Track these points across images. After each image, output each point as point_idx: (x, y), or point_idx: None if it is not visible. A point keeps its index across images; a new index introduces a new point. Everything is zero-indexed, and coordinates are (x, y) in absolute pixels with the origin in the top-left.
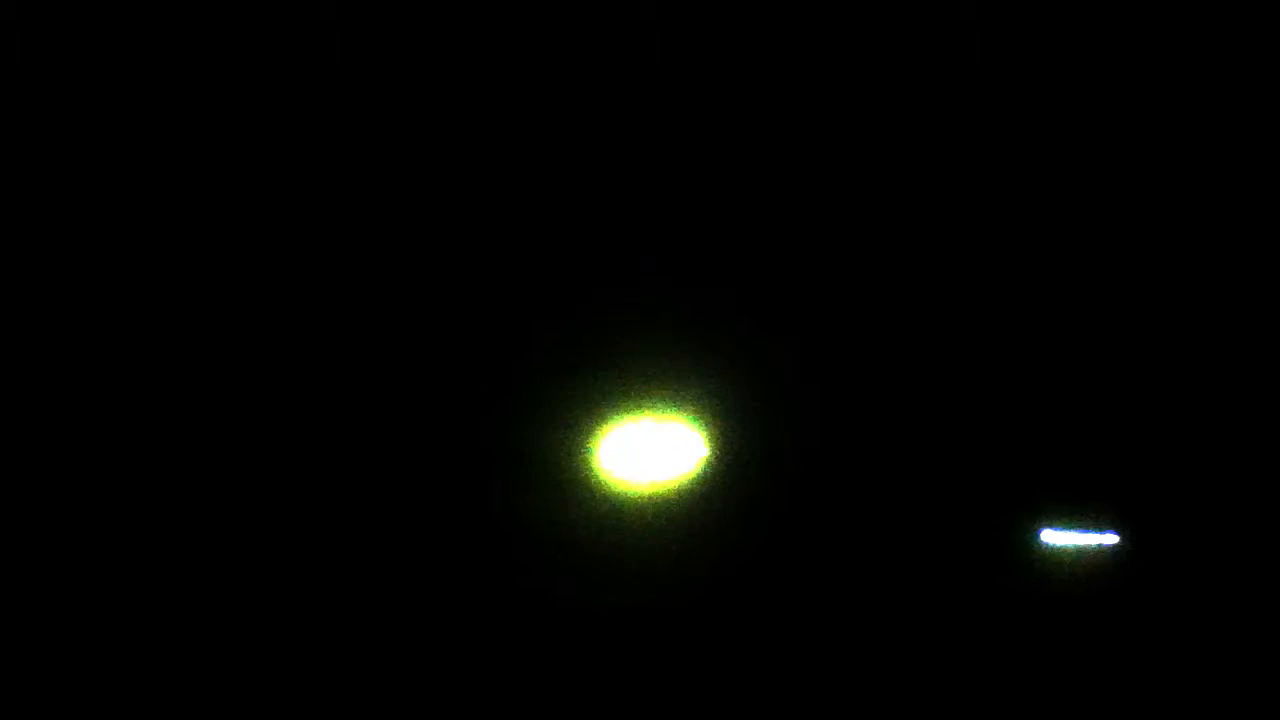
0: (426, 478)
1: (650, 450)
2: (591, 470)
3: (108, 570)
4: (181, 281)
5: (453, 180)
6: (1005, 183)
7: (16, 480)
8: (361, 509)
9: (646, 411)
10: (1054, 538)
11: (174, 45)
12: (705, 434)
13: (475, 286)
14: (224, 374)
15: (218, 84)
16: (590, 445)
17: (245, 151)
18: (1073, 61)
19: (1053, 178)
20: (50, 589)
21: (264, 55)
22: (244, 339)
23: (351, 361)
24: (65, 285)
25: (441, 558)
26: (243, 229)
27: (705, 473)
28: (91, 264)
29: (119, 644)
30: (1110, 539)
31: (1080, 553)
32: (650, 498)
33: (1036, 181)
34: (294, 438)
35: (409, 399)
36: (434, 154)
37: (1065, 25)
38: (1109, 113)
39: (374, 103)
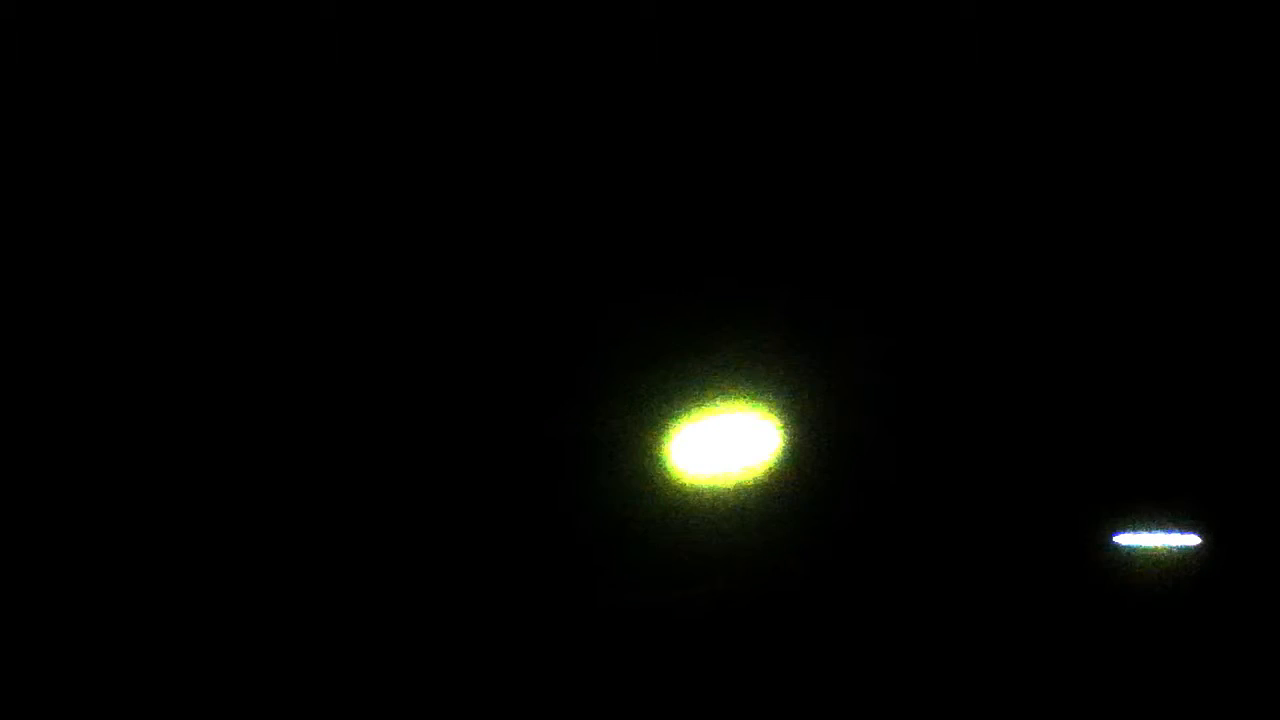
0: (504, 468)
1: (723, 442)
2: (665, 461)
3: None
4: (260, 281)
5: (531, 175)
6: (1089, 184)
7: (24, 480)
8: (434, 497)
9: (720, 404)
10: (1131, 539)
11: (177, 45)
12: (778, 426)
13: (551, 279)
14: (305, 363)
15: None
16: (664, 437)
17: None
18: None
19: (1143, 181)
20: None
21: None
22: (326, 329)
23: (428, 352)
24: (95, 287)
25: (516, 546)
26: (330, 226)
27: (778, 465)
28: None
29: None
30: (1188, 540)
31: (1158, 554)
32: (723, 489)
33: (1123, 185)
34: (373, 426)
35: (486, 389)
36: (514, 148)
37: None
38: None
39: (468, 105)
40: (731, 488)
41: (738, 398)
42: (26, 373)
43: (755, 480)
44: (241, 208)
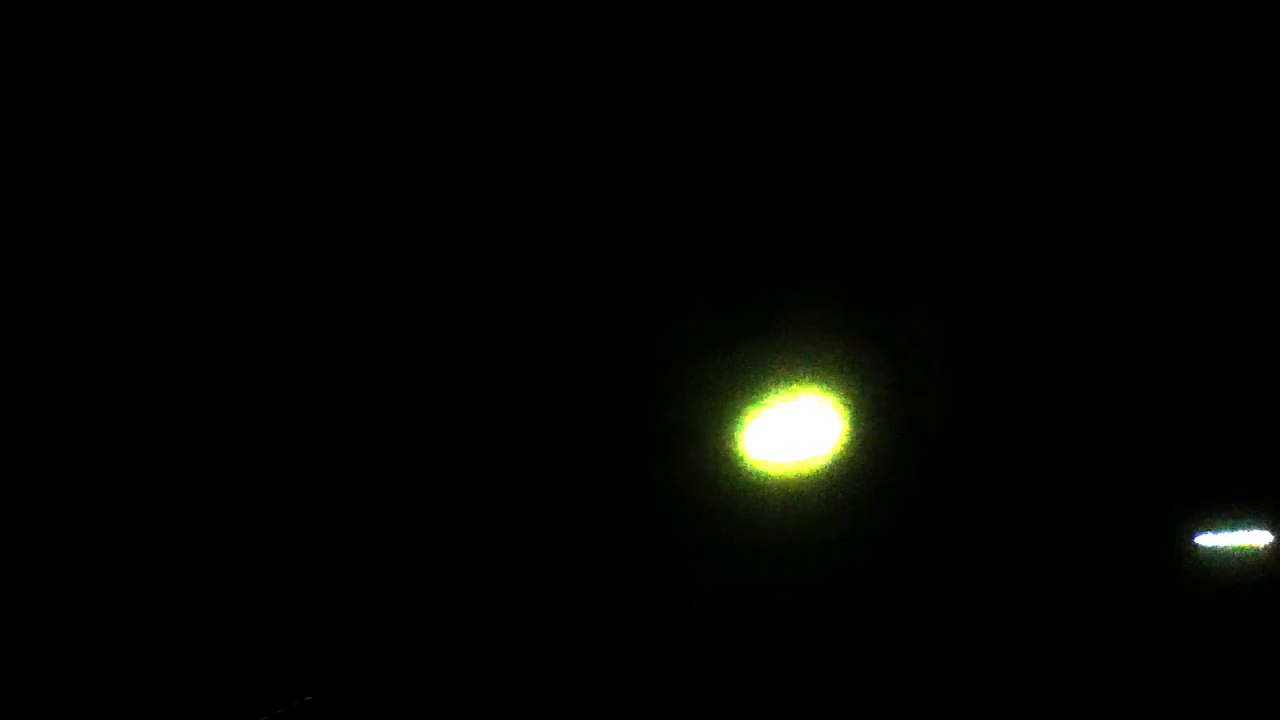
0: (572, 456)
1: (792, 430)
2: (734, 449)
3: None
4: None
5: (606, 165)
6: (1178, 184)
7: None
8: (502, 481)
9: (790, 392)
10: (1210, 540)
11: (180, 46)
12: (849, 415)
13: (620, 270)
14: (393, 350)
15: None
16: (734, 424)
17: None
18: None
19: (1242, 173)
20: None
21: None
22: (408, 317)
23: (505, 334)
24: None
25: (587, 531)
26: (399, 216)
27: (850, 454)
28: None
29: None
30: (1265, 539)
31: (1236, 554)
32: (791, 477)
33: (1219, 176)
34: (449, 412)
35: (556, 377)
36: (587, 135)
37: None
38: None
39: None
40: (805, 474)
41: (809, 385)
42: (27, 373)
43: (828, 467)
44: (318, 206)
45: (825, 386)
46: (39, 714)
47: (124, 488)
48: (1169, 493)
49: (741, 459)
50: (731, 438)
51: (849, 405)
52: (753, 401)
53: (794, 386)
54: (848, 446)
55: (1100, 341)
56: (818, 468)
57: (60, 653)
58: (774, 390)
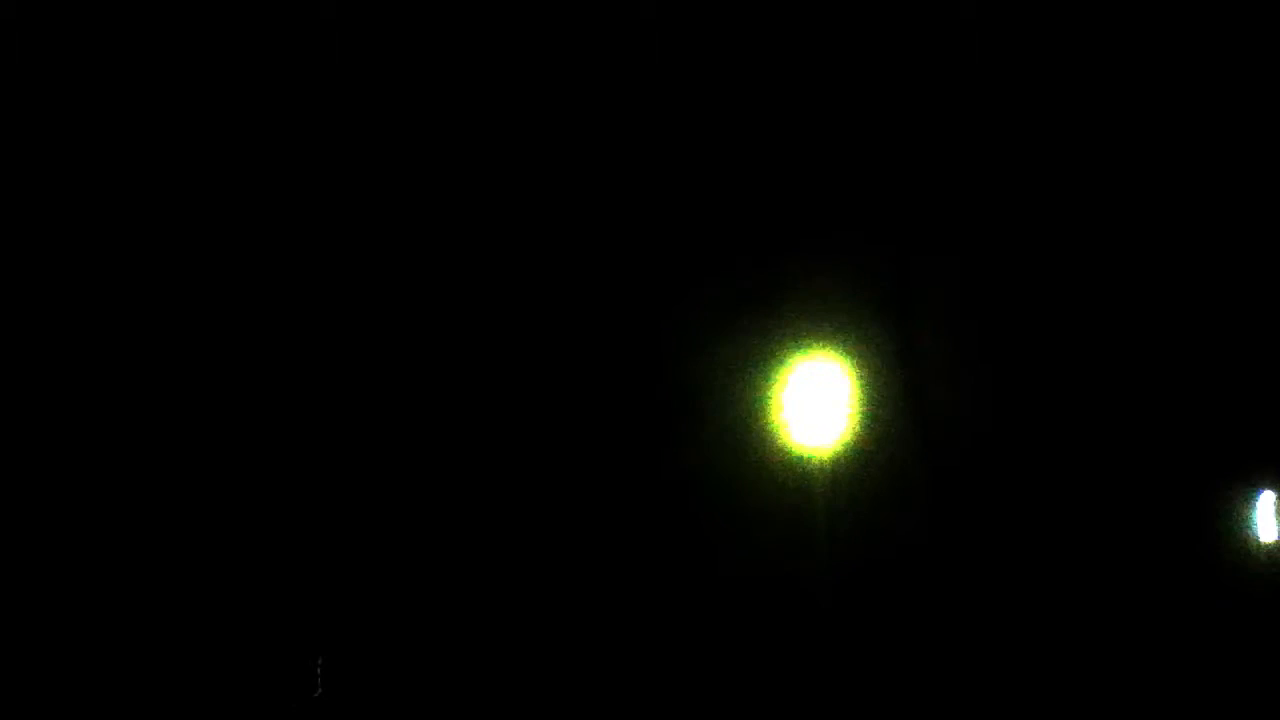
0: (599, 432)
1: (816, 406)
2: (757, 426)
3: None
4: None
5: (629, 150)
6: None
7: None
8: (527, 462)
9: (815, 365)
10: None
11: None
12: (883, 395)
13: (637, 247)
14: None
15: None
16: (756, 400)
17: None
18: None
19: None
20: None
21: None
22: (438, 305)
23: (526, 317)
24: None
25: (615, 512)
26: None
27: (872, 436)
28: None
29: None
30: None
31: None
32: (817, 456)
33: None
34: (473, 394)
35: (579, 356)
36: (602, 124)
37: None
38: None
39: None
40: (834, 455)
41: (833, 361)
42: (30, 373)
43: (859, 447)
44: (349, 208)
45: (853, 369)
46: (39, 714)
47: (125, 488)
48: (1205, 480)
49: (766, 440)
50: (756, 418)
51: (875, 389)
52: (778, 379)
53: (821, 367)
54: (872, 429)
55: (1131, 335)
56: (844, 448)
57: (61, 653)
58: (799, 370)
